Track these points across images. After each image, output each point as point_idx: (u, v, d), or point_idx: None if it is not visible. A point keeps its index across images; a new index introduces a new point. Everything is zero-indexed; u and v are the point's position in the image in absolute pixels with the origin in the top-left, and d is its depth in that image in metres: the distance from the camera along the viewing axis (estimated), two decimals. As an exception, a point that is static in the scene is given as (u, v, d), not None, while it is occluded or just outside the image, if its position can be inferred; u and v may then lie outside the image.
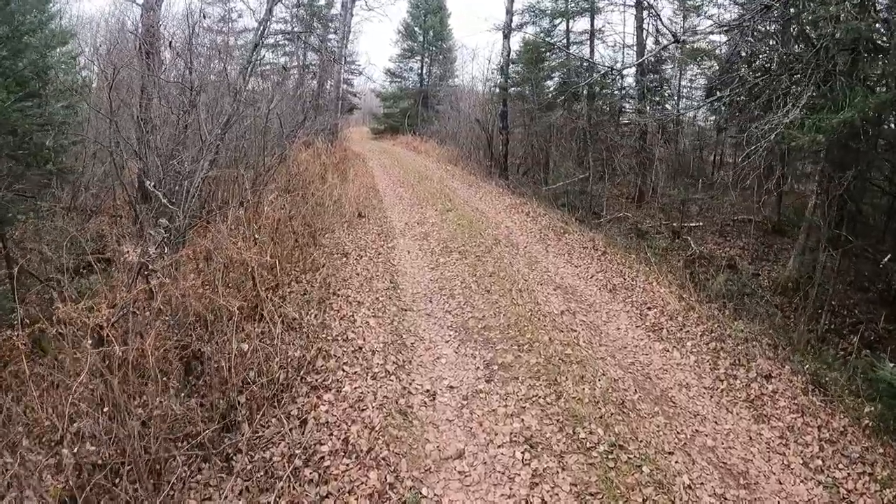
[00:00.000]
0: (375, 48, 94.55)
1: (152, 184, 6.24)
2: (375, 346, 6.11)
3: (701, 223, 16.35)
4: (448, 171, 21.19)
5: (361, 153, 25.91)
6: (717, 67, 18.64)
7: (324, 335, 6.24)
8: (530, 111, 19.50)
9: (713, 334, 7.35)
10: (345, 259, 9.03)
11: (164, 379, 4.73)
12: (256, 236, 6.98)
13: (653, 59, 15.66)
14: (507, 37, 19.56)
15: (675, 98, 19.53)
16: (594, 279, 9.09)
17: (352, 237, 10.39)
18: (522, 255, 10.00)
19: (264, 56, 27.66)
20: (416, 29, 38.07)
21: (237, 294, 5.91)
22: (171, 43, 9.73)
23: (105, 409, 3.93)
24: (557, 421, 5.01)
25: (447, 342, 6.40)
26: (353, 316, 6.85)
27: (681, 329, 7.52)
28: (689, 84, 20.33)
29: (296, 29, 29.32)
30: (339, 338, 6.21)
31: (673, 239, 15.11)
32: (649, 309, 8.03)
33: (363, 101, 43.04)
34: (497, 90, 20.33)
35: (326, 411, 4.92)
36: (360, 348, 6.01)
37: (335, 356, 5.78)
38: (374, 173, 19.56)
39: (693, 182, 17.70)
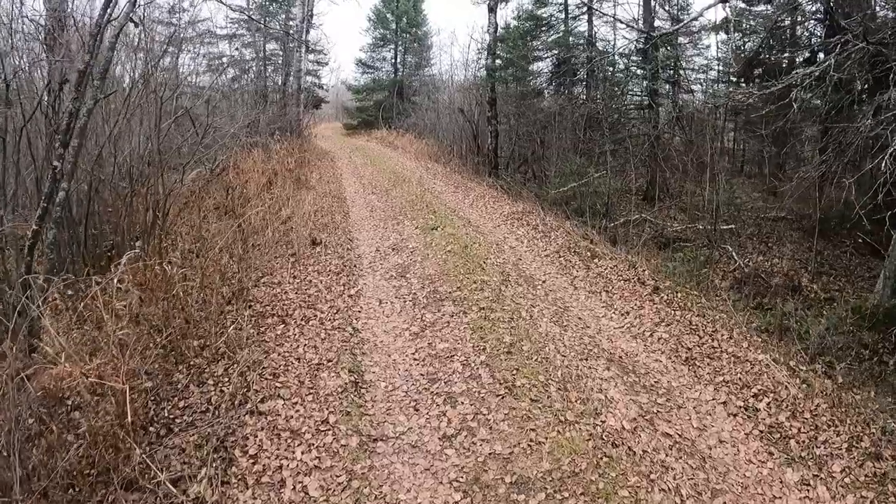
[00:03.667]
0: (345, 38, 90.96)
1: None
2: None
3: (733, 225, 13.50)
4: (429, 169, 18.13)
5: (331, 151, 22.78)
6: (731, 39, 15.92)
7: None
8: (524, 94, 16.51)
9: (863, 447, 4.48)
10: (283, 326, 5.94)
11: None
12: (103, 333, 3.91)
13: (695, 28, 12.70)
14: (493, 10, 16.52)
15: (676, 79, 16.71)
16: (656, 338, 6.15)
17: (298, 282, 7.27)
18: (544, 298, 7.03)
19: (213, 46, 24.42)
20: (387, 15, 34.88)
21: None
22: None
23: None
24: None
25: (452, 528, 3.40)
26: (279, 472, 3.79)
27: (814, 436, 4.64)
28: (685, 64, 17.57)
29: (252, 15, 26.00)
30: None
31: (710, 248, 12.27)
32: (756, 397, 5.12)
33: (336, 95, 40.00)
34: (484, 73, 17.25)
35: None
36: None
37: None
38: (342, 176, 16.45)
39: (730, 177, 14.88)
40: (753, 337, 6.18)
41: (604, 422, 4.42)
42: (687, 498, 3.76)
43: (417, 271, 7.83)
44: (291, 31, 26.02)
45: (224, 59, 25.34)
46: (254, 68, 27.08)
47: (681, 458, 4.20)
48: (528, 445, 4.09)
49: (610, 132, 13.63)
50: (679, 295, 7.12)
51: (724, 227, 13.22)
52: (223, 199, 10.37)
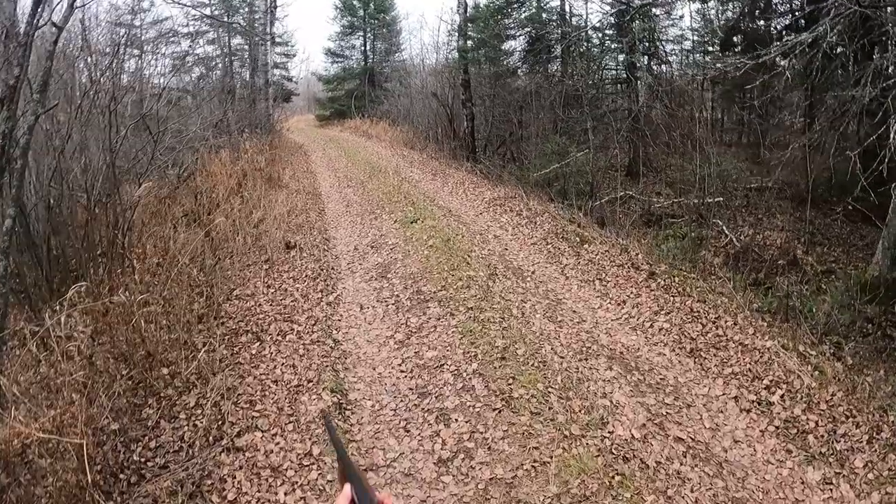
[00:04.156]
0: (312, 28, 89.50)
1: None
2: None
3: (721, 198, 13.16)
4: (405, 157, 17.64)
5: (304, 145, 22.15)
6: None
7: None
8: (499, 74, 16.06)
9: (883, 438, 4.18)
10: (258, 344, 5.50)
11: None
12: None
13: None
14: (462, -11, 16.00)
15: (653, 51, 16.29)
16: (656, 328, 5.81)
17: (273, 291, 6.81)
18: (535, 291, 6.66)
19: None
20: (354, 2, 33.89)
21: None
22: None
23: None
24: None
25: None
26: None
27: (832, 429, 4.33)
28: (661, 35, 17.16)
29: (214, 11, 25.14)
30: None
31: (700, 224, 11.93)
32: (768, 389, 4.80)
33: (306, 86, 39.13)
34: (456, 55, 16.76)
35: None
36: None
37: None
38: (316, 170, 15.93)
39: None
40: (758, 321, 5.85)
41: (612, 432, 4.06)
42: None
43: (399, 270, 7.42)
44: (256, 25, 25.20)
45: (188, 59, 24.51)
46: (220, 65, 26.24)
47: (696, 465, 3.87)
48: (532, 467, 3.71)
49: (590, 108, 13.21)
50: (676, 279, 6.78)
51: (713, 200, 12.89)
52: (192, 205, 9.83)
